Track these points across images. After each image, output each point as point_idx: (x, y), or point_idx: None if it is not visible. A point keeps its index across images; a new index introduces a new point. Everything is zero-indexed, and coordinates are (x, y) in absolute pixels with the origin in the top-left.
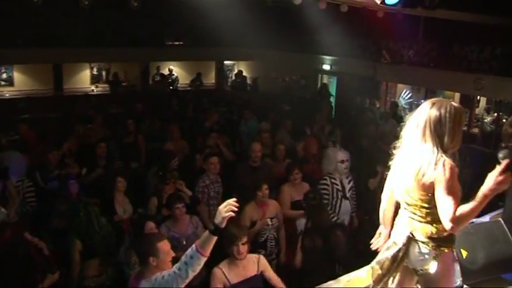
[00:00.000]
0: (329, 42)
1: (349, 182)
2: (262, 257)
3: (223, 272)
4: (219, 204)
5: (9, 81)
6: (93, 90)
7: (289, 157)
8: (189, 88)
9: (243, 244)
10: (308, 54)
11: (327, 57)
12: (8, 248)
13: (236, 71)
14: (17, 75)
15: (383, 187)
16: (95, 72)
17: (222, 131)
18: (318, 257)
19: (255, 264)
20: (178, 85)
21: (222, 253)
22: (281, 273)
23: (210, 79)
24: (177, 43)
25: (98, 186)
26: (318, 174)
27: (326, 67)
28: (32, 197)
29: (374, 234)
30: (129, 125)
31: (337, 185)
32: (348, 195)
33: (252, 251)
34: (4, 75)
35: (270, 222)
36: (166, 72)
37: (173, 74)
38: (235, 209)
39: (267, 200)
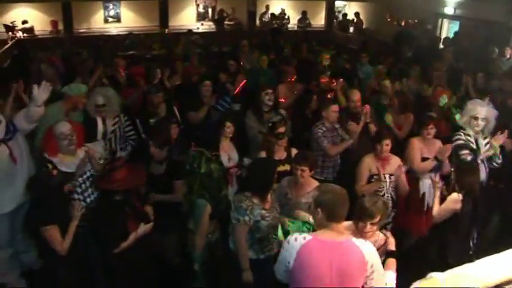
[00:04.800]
0: None
1: (485, 145)
2: (389, 241)
3: None
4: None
5: (117, 18)
6: (198, 28)
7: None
8: (296, 28)
9: (372, 224)
10: None
11: None
12: (116, 188)
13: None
14: (124, 12)
15: None
16: (200, 9)
17: (336, 74)
18: (466, 222)
19: (375, 243)
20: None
21: None
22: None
23: (319, 20)
24: None
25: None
26: (445, 132)
27: (449, 10)
28: (131, 130)
29: None
30: (230, 65)
31: (472, 143)
32: (483, 158)
33: None
34: (112, 12)
35: (388, 179)
36: (276, 11)
37: (285, 14)
38: None
39: (388, 155)
